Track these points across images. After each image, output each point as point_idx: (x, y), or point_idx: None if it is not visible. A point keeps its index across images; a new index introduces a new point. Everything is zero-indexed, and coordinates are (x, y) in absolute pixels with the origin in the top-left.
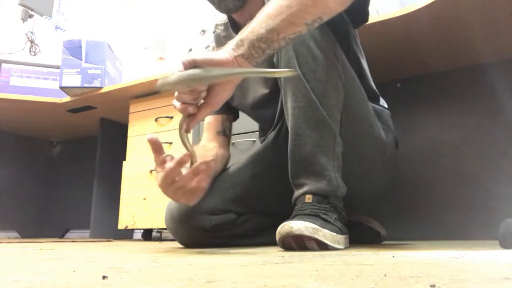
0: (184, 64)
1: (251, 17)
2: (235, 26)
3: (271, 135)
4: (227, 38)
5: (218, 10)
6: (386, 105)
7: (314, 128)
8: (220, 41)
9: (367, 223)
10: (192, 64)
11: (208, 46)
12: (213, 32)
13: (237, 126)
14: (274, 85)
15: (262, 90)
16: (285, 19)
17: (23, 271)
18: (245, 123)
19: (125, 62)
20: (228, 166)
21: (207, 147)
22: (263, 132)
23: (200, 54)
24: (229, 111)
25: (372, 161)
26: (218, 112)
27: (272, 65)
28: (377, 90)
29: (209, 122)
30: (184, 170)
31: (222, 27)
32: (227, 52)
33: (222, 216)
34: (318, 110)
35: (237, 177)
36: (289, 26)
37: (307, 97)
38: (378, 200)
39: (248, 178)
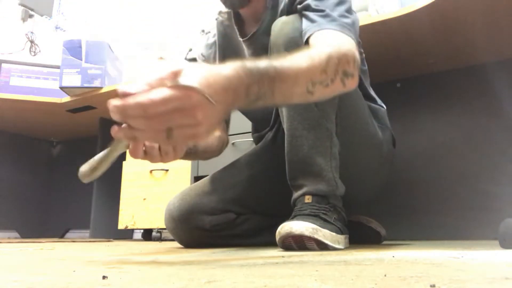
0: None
1: (255, 12)
2: (239, 19)
3: (268, 136)
4: (229, 28)
5: (223, 4)
6: (383, 105)
7: (309, 129)
8: (221, 29)
9: (367, 223)
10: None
11: (209, 32)
12: (216, 19)
13: (237, 126)
14: None
15: None
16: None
17: (23, 271)
18: (245, 123)
19: (125, 62)
20: (227, 165)
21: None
22: (256, 129)
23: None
24: None
25: (369, 160)
26: None
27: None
28: (374, 94)
29: None
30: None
31: (226, 16)
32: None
33: (222, 216)
34: (313, 111)
35: (235, 178)
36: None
37: None
38: (376, 199)
39: (247, 178)
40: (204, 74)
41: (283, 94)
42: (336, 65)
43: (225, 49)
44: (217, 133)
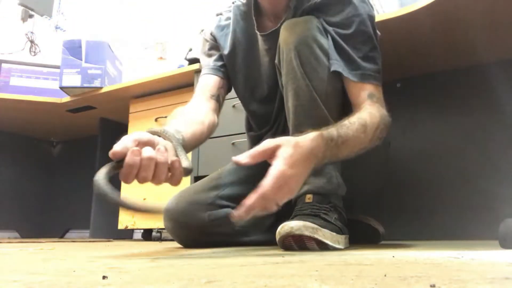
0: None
1: (276, 8)
2: (257, 11)
3: (268, 136)
4: (245, 15)
5: None
6: None
7: (315, 126)
8: (237, 13)
9: (365, 221)
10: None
11: (221, 14)
12: (233, 3)
13: (237, 126)
14: (273, 83)
15: (264, 86)
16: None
17: (23, 271)
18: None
19: (125, 62)
20: (225, 166)
21: (193, 117)
22: (250, 128)
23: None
24: (226, 80)
25: (367, 162)
26: (218, 74)
27: (273, 65)
28: None
29: (205, 83)
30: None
31: (245, 1)
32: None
33: (220, 211)
34: (319, 109)
35: (234, 176)
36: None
37: (309, 95)
38: (372, 201)
39: (245, 177)
40: (292, 154)
41: (341, 155)
42: (379, 134)
43: (237, 34)
44: (216, 122)
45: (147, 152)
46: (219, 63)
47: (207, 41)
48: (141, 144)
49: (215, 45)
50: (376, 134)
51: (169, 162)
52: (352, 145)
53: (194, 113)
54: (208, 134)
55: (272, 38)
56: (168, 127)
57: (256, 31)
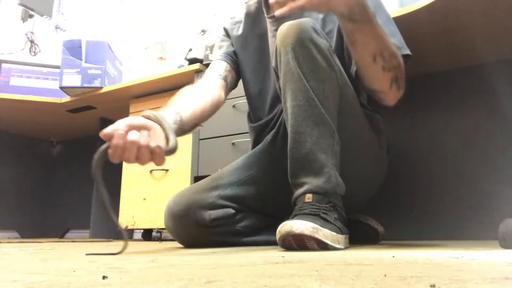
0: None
1: None
2: (266, 4)
3: (268, 138)
4: (255, 13)
5: None
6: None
7: (313, 126)
8: (250, 13)
9: (365, 220)
10: None
11: (234, 17)
12: (246, 2)
13: (237, 126)
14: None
15: (270, 70)
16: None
17: (23, 271)
18: (244, 123)
19: (125, 62)
20: (226, 166)
21: (196, 96)
22: (250, 117)
23: None
24: (234, 67)
25: (363, 163)
26: (225, 60)
27: (269, 69)
28: (365, 101)
29: (213, 67)
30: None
31: (256, 0)
32: None
33: (221, 211)
34: (317, 108)
35: (234, 177)
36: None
37: (307, 95)
38: (368, 202)
39: (246, 178)
40: None
41: (365, 35)
42: (397, 65)
43: (248, 21)
44: (222, 97)
45: (131, 136)
46: (228, 50)
47: (219, 37)
48: (133, 128)
49: (226, 38)
50: (396, 69)
51: (152, 146)
52: (376, 36)
53: (198, 92)
54: (212, 109)
55: (279, 19)
56: (166, 109)
57: (266, 15)
